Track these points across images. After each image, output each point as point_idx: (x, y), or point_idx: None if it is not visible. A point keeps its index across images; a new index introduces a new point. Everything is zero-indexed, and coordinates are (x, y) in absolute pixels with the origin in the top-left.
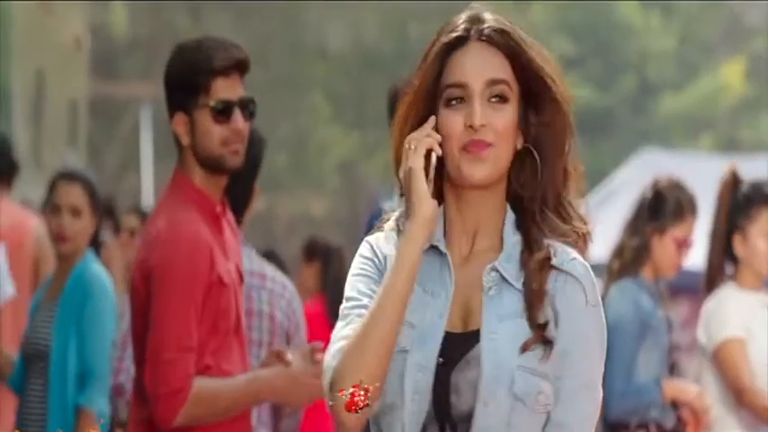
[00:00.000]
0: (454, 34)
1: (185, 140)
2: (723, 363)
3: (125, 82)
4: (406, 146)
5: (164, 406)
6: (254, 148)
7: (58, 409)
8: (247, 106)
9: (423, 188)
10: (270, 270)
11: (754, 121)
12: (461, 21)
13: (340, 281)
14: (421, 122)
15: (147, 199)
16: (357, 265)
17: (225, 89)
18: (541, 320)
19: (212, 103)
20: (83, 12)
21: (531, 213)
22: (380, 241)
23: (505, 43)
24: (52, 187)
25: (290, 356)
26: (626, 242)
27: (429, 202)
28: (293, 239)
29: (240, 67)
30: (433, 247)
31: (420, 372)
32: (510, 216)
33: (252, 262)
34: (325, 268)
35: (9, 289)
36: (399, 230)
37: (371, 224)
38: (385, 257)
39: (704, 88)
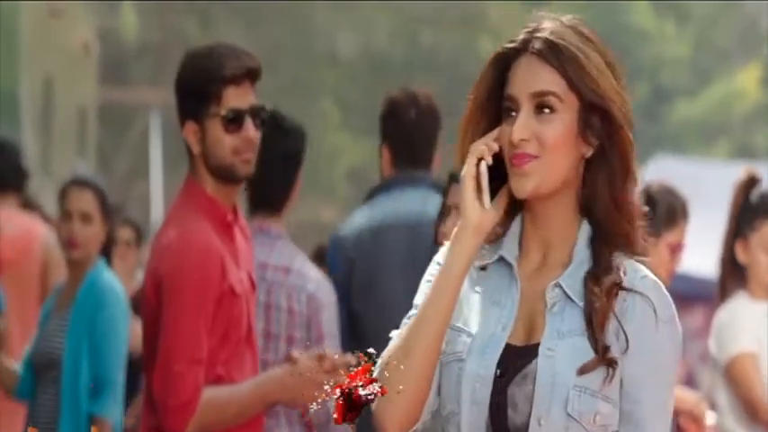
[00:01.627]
0: (510, 45)
1: (196, 149)
2: (736, 377)
3: (134, 88)
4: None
5: (173, 418)
6: (291, 140)
7: (71, 418)
8: (258, 114)
9: (470, 196)
10: (298, 263)
11: None
12: (523, 31)
13: None
14: (483, 132)
15: (157, 206)
16: (429, 271)
17: (236, 98)
18: (602, 342)
19: (223, 112)
20: (91, 17)
21: (601, 227)
22: None
23: (556, 58)
24: (63, 194)
25: (297, 354)
26: None
27: (475, 211)
28: (303, 246)
29: (251, 75)
30: (503, 259)
31: (478, 382)
32: (585, 230)
33: (278, 256)
34: None
35: None
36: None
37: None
38: None
39: (719, 94)
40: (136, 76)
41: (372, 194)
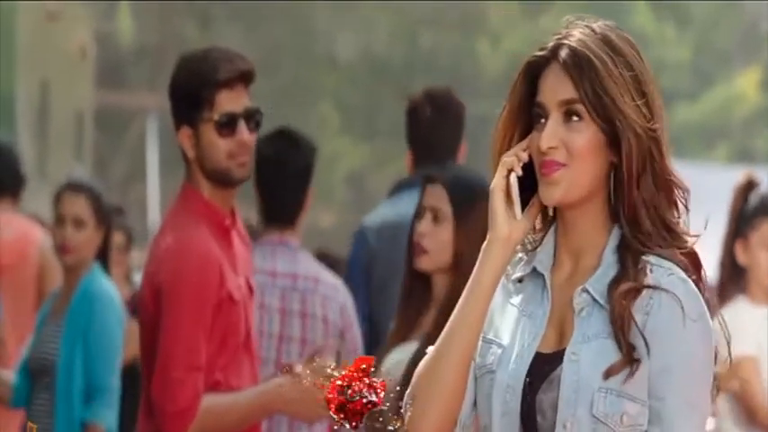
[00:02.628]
0: (540, 53)
1: (191, 154)
2: (738, 382)
3: (131, 92)
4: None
5: (172, 425)
6: (302, 156)
7: (65, 425)
8: (253, 117)
9: (500, 208)
10: (323, 274)
11: None
12: (554, 37)
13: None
14: (516, 140)
15: (154, 210)
16: None
17: (229, 101)
18: (626, 343)
19: (216, 116)
20: (88, 20)
21: (629, 231)
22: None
23: (576, 70)
24: (57, 198)
25: (298, 368)
26: None
27: (505, 223)
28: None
29: (245, 78)
30: (536, 270)
31: (508, 393)
32: (614, 236)
33: (305, 266)
34: None
35: None
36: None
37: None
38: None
39: (719, 98)
40: (133, 79)
41: (398, 188)
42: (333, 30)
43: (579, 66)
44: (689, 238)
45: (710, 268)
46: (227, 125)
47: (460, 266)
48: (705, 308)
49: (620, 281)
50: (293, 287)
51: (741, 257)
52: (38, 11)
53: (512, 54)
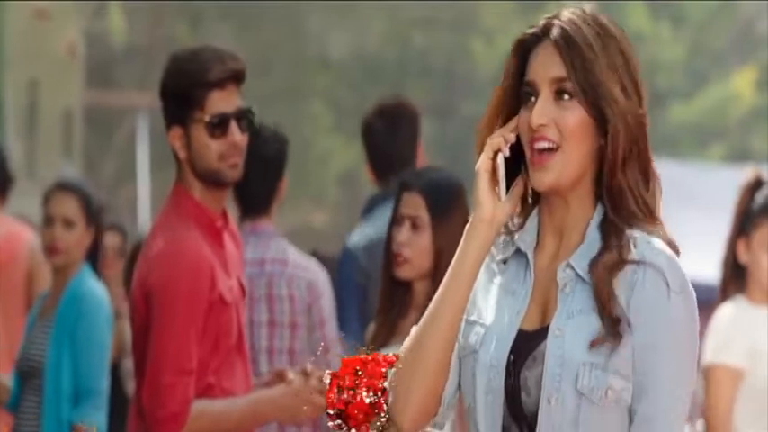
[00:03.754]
0: (529, 32)
1: (182, 154)
2: (708, 387)
3: (121, 91)
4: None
5: (162, 429)
6: (270, 146)
7: (53, 427)
8: (245, 117)
9: (482, 189)
10: (293, 255)
11: (766, 130)
12: (544, 17)
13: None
14: (505, 121)
15: (144, 210)
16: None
17: (220, 102)
18: (608, 317)
19: (207, 117)
20: (78, 19)
21: (612, 207)
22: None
23: (566, 49)
24: (46, 199)
25: (291, 375)
26: None
27: (489, 204)
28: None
29: (236, 77)
30: (520, 250)
31: (491, 372)
32: (598, 212)
33: (275, 251)
34: None
35: None
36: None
37: None
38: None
39: (714, 98)
40: (123, 78)
41: (371, 205)
42: (325, 29)
43: (570, 44)
44: (663, 225)
45: (706, 267)
46: (219, 126)
47: (440, 271)
48: (687, 280)
49: (603, 255)
50: (260, 273)
51: (743, 256)
52: (27, 9)
53: (505, 54)
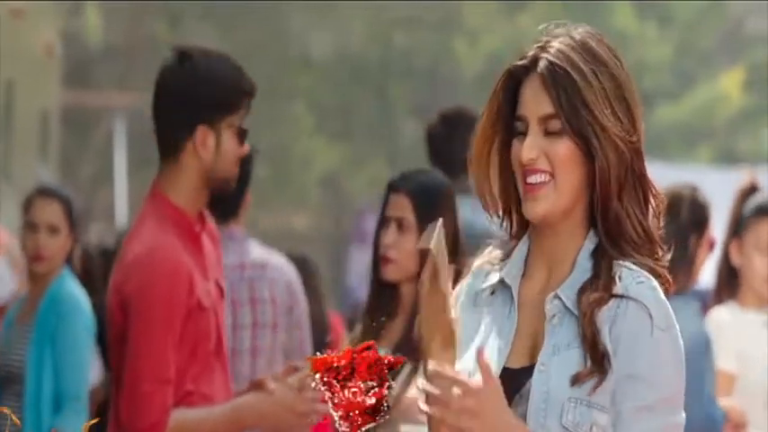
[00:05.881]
0: (519, 63)
1: (206, 155)
2: None
3: (99, 91)
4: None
5: None
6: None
7: None
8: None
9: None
10: (271, 258)
11: (754, 132)
12: (532, 48)
13: (307, 292)
14: (496, 149)
15: (122, 213)
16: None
17: (245, 111)
18: (597, 351)
19: (238, 122)
20: (55, 18)
21: (604, 236)
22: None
23: (553, 84)
24: (28, 204)
25: (272, 385)
26: None
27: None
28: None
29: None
30: (504, 282)
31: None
32: (590, 241)
33: (253, 255)
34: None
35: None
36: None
37: None
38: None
39: (701, 98)
40: (101, 78)
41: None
42: (307, 29)
43: (557, 80)
44: (663, 251)
45: (709, 271)
46: (243, 134)
47: None
48: (673, 318)
49: (589, 288)
50: (241, 277)
51: (735, 259)
52: (2, 9)
53: (489, 54)
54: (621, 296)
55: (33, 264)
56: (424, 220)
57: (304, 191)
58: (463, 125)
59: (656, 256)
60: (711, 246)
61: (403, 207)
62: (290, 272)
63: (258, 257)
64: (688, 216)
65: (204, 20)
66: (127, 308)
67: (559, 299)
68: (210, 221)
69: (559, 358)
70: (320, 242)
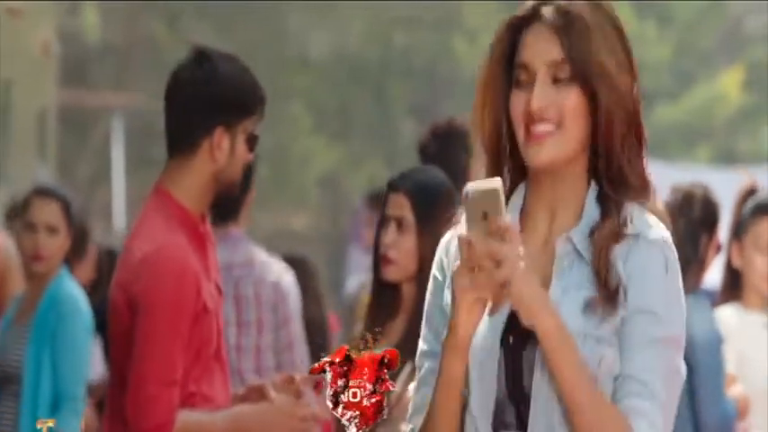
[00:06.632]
0: (521, 13)
1: (221, 157)
2: None
3: (97, 91)
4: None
5: None
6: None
7: None
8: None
9: (462, 316)
10: (259, 257)
11: (753, 131)
12: (530, 1)
13: (306, 292)
14: (496, 101)
15: (119, 212)
16: (428, 290)
17: (258, 118)
18: (609, 285)
19: (251, 127)
20: (52, 17)
21: (608, 182)
22: (450, 244)
23: (566, 28)
24: (26, 204)
25: (272, 394)
26: None
27: (464, 331)
28: (273, 255)
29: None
30: None
31: (483, 352)
32: (593, 189)
33: (242, 254)
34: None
35: None
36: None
37: None
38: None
39: (701, 98)
40: (98, 78)
41: None
42: (305, 29)
43: (567, 24)
44: (655, 195)
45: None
46: (254, 140)
47: (425, 274)
48: (677, 264)
49: (602, 227)
50: (228, 277)
51: (736, 260)
52: None
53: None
54: (635, 236)
55: (32, 264)
56: (424, 218)
57: (303, 191)
58: (454, 139)
59: (652, 200)
60: (718, 248)
61: (402, 206)
62: (279, 271)
63: (246, 257)
64: (700, 215)
65: (202, 19)
66: (135, 307)
67: (571, 241)
68: (208, 224)
69: (569, 298)
70: (319, 242)
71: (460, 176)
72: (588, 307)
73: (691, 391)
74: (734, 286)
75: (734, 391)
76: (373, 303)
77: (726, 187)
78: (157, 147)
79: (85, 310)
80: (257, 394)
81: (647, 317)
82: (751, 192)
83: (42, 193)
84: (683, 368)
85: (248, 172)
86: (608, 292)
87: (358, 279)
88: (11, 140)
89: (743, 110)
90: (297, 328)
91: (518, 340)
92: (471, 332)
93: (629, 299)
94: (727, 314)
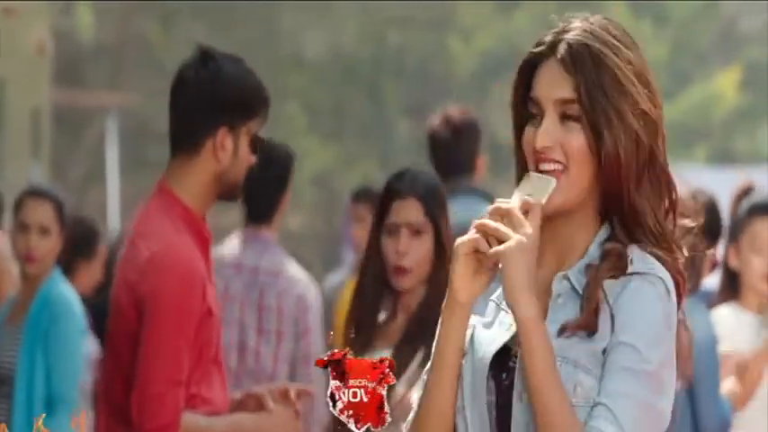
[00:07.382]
0: (537, 48)
1: (224, 157)
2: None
3: (91, 90)
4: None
5: None
6: (279, 164)
7: None
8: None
9: (458, 273)
10: (286, 268)
11: (750, 131)
12: (551, 32)
13: None
14: (517, 131)
15: (113, 212)
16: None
17: (262, 121)
18: (591, 306)
19: (255, 129)
20: (46, 16)
21: (617, 224)
22: None
23: (576, 67)
24: (19, 205)
25: (270, 404)
26: None
27: (463, 290)
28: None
29: None
30: None
31: (473, 374)
32: (605, 231)
33: (270, 261)
34: None
35: None
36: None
37: None
38: None
39: (697, 98)
40: (92, 77)
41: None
42: (300, 29)
43: (577, 63)
44: (681, 252)
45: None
46: (258, 143)
47: (437, 277)
48: (675, 311)
49: (600, 264)
50: (254, 282)
51: (732, 261)
52: None
53: (483, 53)
54: (631, 274)
55: (25, 264)
56: (436, 221)
57: (297, 190)
58: (467, 126)
59: (674, 255)
60: (714, 265)
61: (414, 212)
62: (304, 284)
63: (273, 265)
64: (703, 226)
65: (196, 19)
66: (141, 307)
67: (568, 279)
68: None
69: (554, 327)
70: (313, 241)
71: (468, 166)
72: (564, 330)
73: (690, 393)
74: (731, 287)
75: (725, 387)
76: (372, 306)
77: (722, 187)
78: (152, 147)
79: (78, 311)
80: (254, 401)
81: (627, 349)
82: (747, 192)
83: (35, 193)
84: (663, 410)
85: (286, 172)
86: (587, 317)
87: (340, 276)
88: (4, 140)
89: (740, 110)
90: (315, 341)
91: (508, 375)
92: (472, 300)
93: (615, 331)
94: (724, 314)
